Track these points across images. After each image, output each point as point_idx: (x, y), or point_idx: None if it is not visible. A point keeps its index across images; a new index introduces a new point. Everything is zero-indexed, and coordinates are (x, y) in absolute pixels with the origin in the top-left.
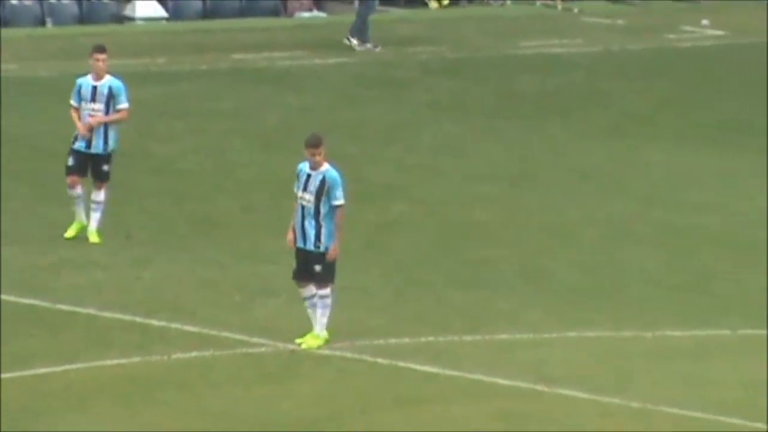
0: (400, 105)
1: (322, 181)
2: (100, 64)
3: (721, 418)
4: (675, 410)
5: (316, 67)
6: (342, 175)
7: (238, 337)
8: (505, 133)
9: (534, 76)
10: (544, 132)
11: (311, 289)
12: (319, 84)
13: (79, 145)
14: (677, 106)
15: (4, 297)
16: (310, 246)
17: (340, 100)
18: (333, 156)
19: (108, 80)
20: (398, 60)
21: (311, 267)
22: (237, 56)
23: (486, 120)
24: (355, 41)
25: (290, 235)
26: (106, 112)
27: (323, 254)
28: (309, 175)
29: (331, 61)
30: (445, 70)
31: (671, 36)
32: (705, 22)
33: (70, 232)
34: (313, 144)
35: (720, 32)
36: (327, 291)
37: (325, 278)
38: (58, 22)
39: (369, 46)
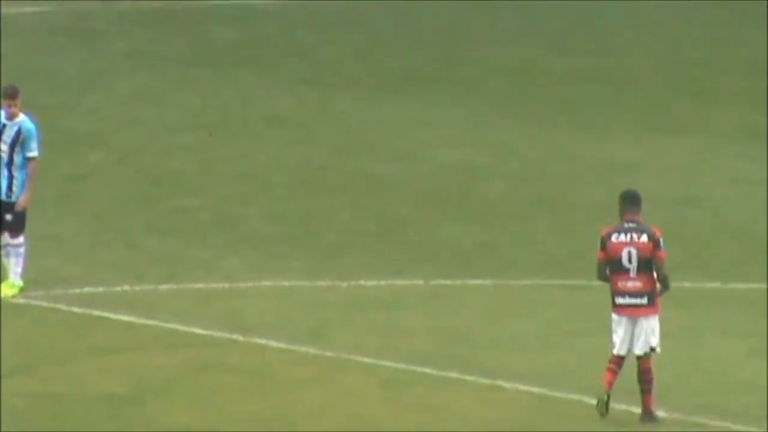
0: (96, 54)
1: (18, 132)
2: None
3: (414, 368)
4: (369, 359)
5: (9, 16)
6: (37, 126)
7: None
8: (200, 83)
9: (230, 26)
10: (237, 81)
11: (6, 238)
12: (11, 33)
13: None
14: (371, 56)
15: None
16: (2, 196)
17: (34, 49)
18: (27, 105)
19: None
20: (95, 9)
21: (3, 216)
22: None
23: (182, 69)
24: None
25: None
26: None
27: (15, 204)
28: (4, 125)
29: (27, 9)
30: (142, 20)
31: None
32: None
33: None
34: (10, 95)
35: None
36: (20, 240)
37: (16, 227)
38: None
39: None
